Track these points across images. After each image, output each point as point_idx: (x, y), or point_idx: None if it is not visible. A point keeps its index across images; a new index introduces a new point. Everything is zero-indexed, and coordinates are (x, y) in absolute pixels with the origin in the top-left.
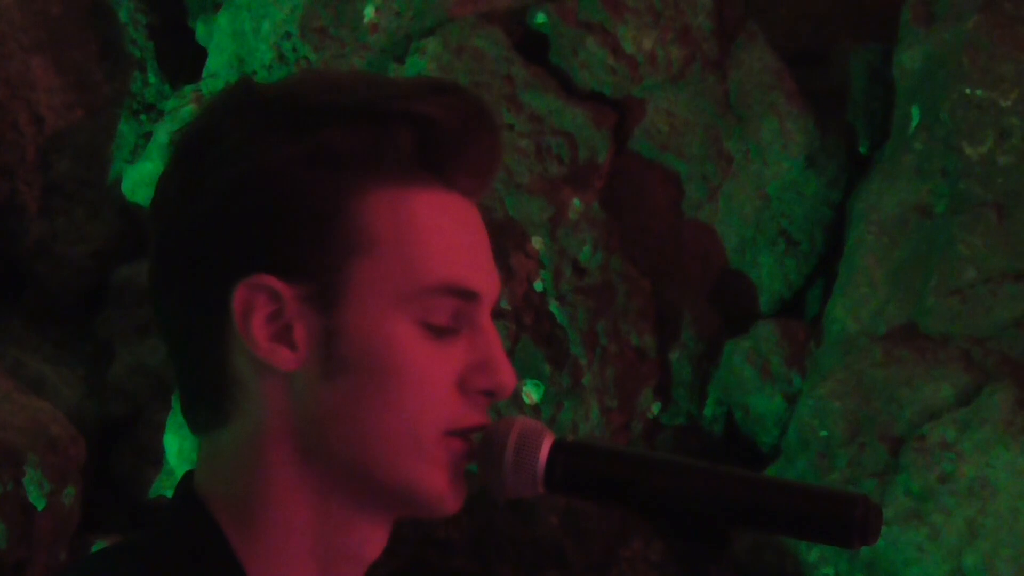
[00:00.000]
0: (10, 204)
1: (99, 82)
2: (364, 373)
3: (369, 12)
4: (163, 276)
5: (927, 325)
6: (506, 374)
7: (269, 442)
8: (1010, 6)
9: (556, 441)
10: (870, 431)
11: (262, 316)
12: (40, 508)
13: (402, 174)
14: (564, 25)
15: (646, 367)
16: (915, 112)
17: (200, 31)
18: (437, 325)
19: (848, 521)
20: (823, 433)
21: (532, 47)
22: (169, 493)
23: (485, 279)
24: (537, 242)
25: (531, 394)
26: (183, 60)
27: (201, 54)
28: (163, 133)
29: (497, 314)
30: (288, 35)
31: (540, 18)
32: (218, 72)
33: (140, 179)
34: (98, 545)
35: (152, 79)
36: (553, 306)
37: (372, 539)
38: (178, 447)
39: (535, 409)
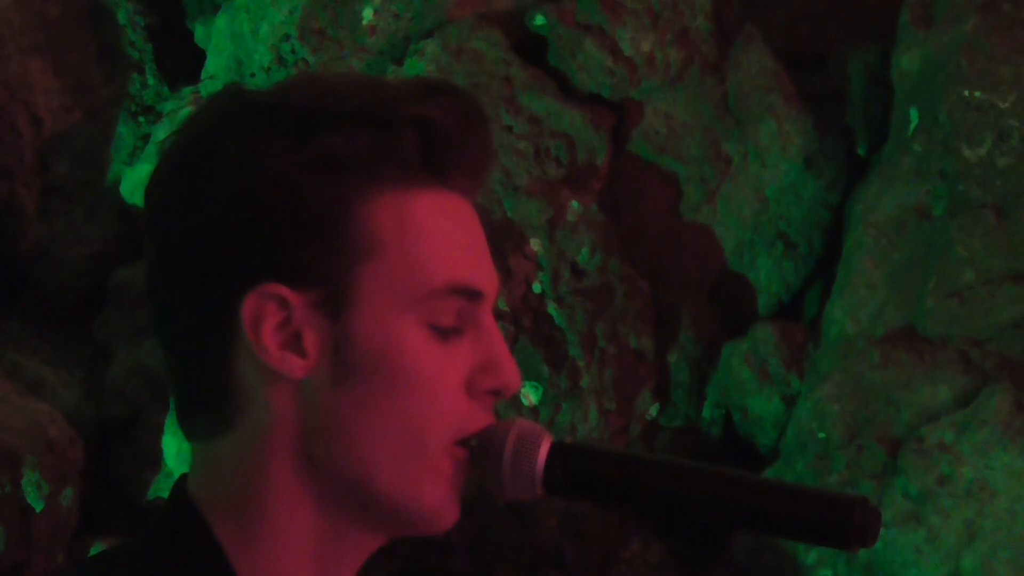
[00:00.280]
0: (8, 206)
1: (98, 84)
2: (374, 377)
3: (368, 14)
4: (164, 286)
5: (926, 327)
6: (511, 373)
7: (273, 450)
8: (1009, 8)
9: (554, 443)
10: (868, 433)
11: (272, 324)
12: (38, 510)
13: (404, 177)
14: (563, 27)
15: (644, 369)
16: (913, 114)
17: (199, 33)
18: (444, 326)
19: (846, 523)
20: (821, 435)
21: (531, 49)
22: (167, 495)
23: (487, 278)
24: (535, 244)
25: (529, 396)
26: (182, 62)
27: (200, 56)
28: (162, 135)
29: (495, 316)
30: (287, 37)
31: (539, 20)
32: (217, 74)
33: (139, 181)
34: (96, 547)
35: (151, 81)
36: (551, 308)
37: (370, 548)
38: (177, 449)
39: (533, 411)
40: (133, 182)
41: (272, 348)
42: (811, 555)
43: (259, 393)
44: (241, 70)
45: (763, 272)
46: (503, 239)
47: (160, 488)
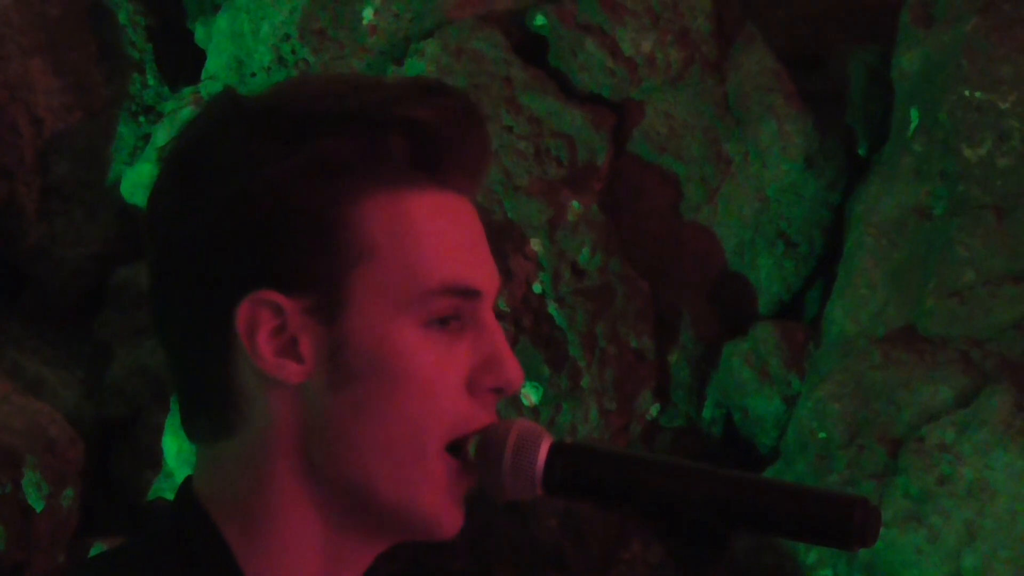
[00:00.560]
0: (9, 206)
1: (98, 84)
2: (371, 381)
3: (368, 14)
4: (163, 292)
5: (926, 327)
6: (512, 370)
7: (274, 455)
8: (1009, 8)
9: (554, 443)
10: (869, 433)
11: (267, 331)
12: (39, 510)
13: (396, 178)
14: (563, 27)
15: (645, 369)
16: (914, 114)
17: (199, 33)
18: (440, 327)
19: (847, 523)
20: (822, 435)
21: (531, 49)
22: (168, 495)
23: (486, 276)
24: (536, 244)
25: (530, 396)
26: (182, 62)
27: (200, 56)
28: (162, 135)
29: (496, 316)
30: (287, 37)
31: (539, 20)
32: (217, 74)
33: (139, 181)
34: (97, 547)
35: (151, 81)
36: (552, 308)
37: (374, 551)
38: (177, 449)
39: (534, 411)
40: (133, 182)
41: (267, 354)
42: (812, 555)
43: (258, 398)
44: (242, 70)
45: (764, 272)
46: (503, 239)
47: (160, 488)
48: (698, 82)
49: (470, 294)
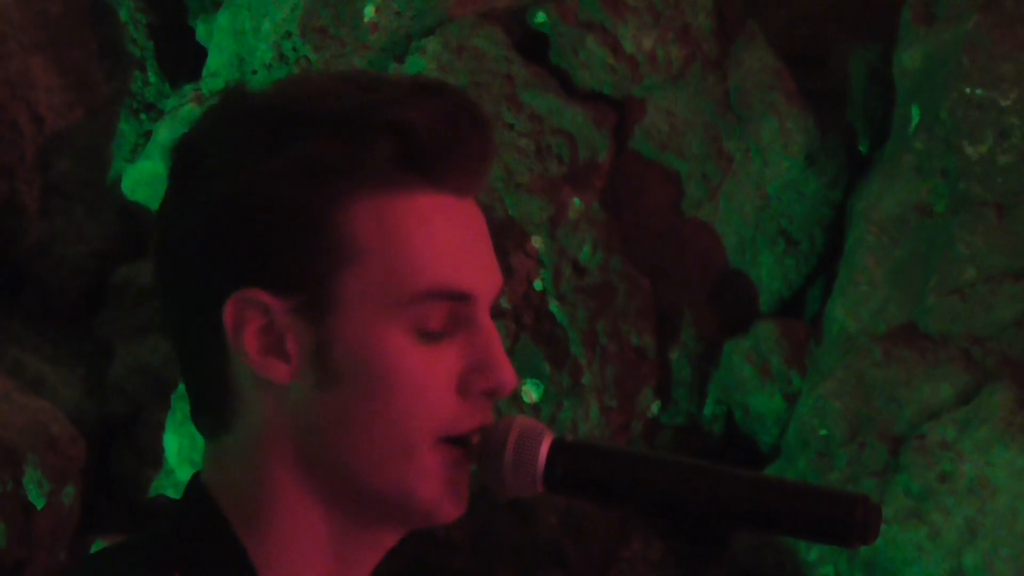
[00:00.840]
0: (10, 204)
1: (99, 81)
2: (357, 382)
3: (369, 12)
4: (163, 286)
5: (927, 324)
6: (505, 373)
7: (270, 450)
8: (1010, 5)
9: (555, 441)
10: (870, 430)
11: (253, 329)
12: (40, 508)
13: (386, 181)
14: (564, 25)
15: (646, 367)
16: (915, 112)
17: (200, 30)
18: (430, 330)
19: (848, 521)
20: (823, 432)
21: (532, 47)
22: (169, 492)
23: (479, 278)
24: (537, 241)
25: (531, 393)
26: (183, 59)
27: (201, 53)
28: (163, 132)
29: (497, 314)
30: (288, 34)
31: (540, 18)
32: (218, 71)
33: (140, 178)
34: (98, 545)
35: (152, 78)
36: (553, 306)
37: (382, 543)
38: (178, 447)
39: (535, 408)
40: (134, 179)
41: (254, 353)
42: (812, 552)
43: (251, 395)
44: (243, 67)
45: (765, 270)
46: (505, 237)
47: (161, 486)
48: (699, 80)
49: (459, 297)
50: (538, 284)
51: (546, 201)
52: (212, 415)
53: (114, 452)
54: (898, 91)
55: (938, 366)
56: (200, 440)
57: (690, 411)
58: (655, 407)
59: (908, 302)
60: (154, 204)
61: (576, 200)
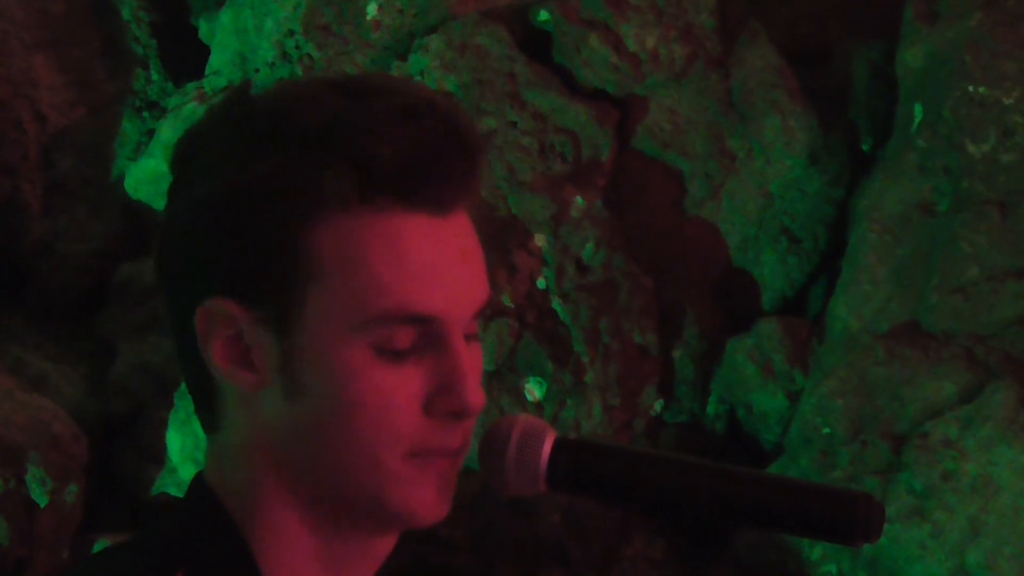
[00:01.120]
0: (12, 202)
1: (102, 80)
2: (322, 397)
3: (372, 10)
4: (159, 286)
5: (930, 323)
6: (469, 395)
7: (252, 453)
8: (1013, 4)
9: (558, 439)
10: (872, 429)
11: (221, 339)
12: (42, 506)
13: (351, 201)
14: (567, 23)
15: (649, 365)
16: (918, 110)
17: (203, 29)
18: (394, 350)
19: (851, 519)
20: (826, 431)
21: (535, 45)
22: (172, 491)
23: (449, 300)
24: (540, 240)
25: (534, 391)
26: (186, 58)
27: (204, 51)
28: (166, 131)
29: (500, 312)
30: (291, 33)
31: (543, 16)
32: (221, 70)
33: (143, 177)
34: (100, 543)
35: (155, 76)
36: (556, 304)
37: (377, 544)
38: (180, 445)
39: (538, 407)
40: (137, 178)
41: (221, 363)
42: (816, 551)
43: (231, 400)
44: (245, 66)
45: (767, 268)
46: (507, 235)
47: (164, 484)
48: (702, 78)
49: (422, 321)
50: (541, 282)
51: (549, 199)
52: (205, 413)
53: (116, 450)
54: (901, 89)
55: (941, 364)
56: (202, 438)
57: (693, 409)
58: (658, 405)
59: (911, 300)
60: (156, 202)
61: (579, 198)
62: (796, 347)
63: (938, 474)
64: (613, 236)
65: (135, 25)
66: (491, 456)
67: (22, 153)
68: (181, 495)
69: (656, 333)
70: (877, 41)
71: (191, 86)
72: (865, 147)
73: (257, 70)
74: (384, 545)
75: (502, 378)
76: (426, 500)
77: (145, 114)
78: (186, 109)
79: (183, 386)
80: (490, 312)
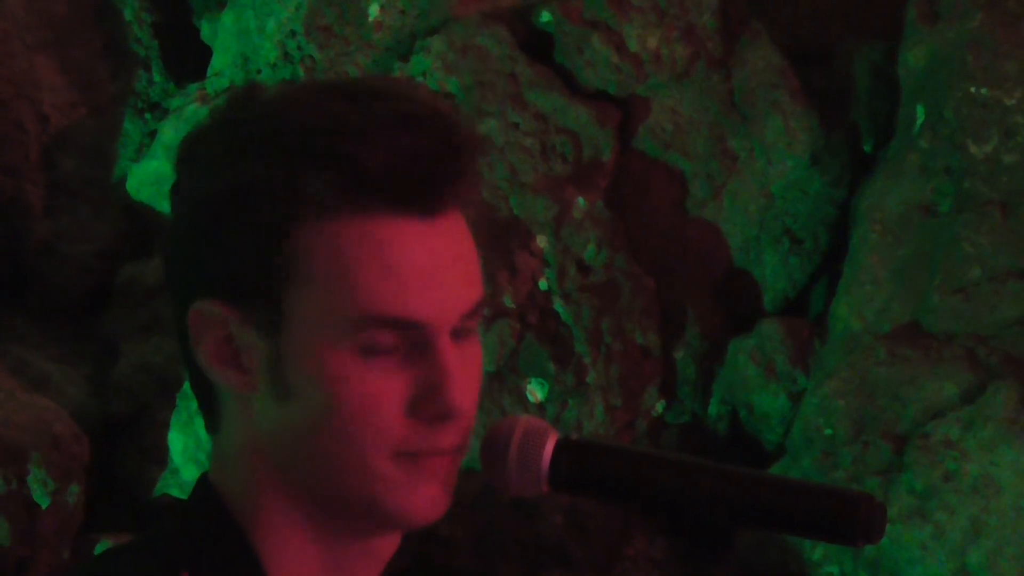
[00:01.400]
0: (15, 203)
1: (104, 81)
2: (309, 398)
3: (374, 11)
4: (166, 287)
5: (931, 323)
6: (453, 399)
7: (249, 454)
8: (1014, 4)
9: (560, 440)
10: (874, 429)
11: (212, 340)
12: (44, 506)
13: (336, 206)
14: (569, 24)
15: (650, 365)
16: (920, 111)
17: (205, 30)
18: (379, 353)
19: (852, 519)
20: (827, 431)
21: (537, 46)
22: (174, 492)
23: (435, 304)
24: (542, 240)
25: (536, 392)
26: (188, 59)
27: (206, 52)
28: (168, 132)
29: (502, 313)
30: (293, 33)
31: (545, 17)
32: (223, 71)
33: (145, 178)
34: (102, 544)
35: (157, 77)
36: (558, 304)
37: (378, 545)
38: (183, 446)
39: (540, 407)
40: (139, 179)
41: (214, 363)
42: (817, 551)
43: (227, 401)
44: (247, 67)
45: (769, 268)
46: (509, 236)
47: (166, 485)
48: (704, 79)
49: (405, 325)
50: (543, 283)
51: (551, 200)
52: (207, 413)
53: (118, 451)
54: (903, 90)
55: (942, 365)
56: (204, 439)
57: (695, 410)
58: (660, 406)
59: (912, 301)
60: (159, 203)
61: (580, 199)
62: (798, 348)
63: (939, 475)
64: (615, 237)
65: (137, 26)
66: (493, 457)
67: (24, 153)
68: (183, 496)
69: (658, 334)
70: (879, 42)
71: (193, 87)
72: (867, 148)
73: (259, 71)
74: (386, 546)
75: (504, 379)
76: (416, 500)
77: (147, 115)
78: (188, 110)
79: (185, 387)
80: (492, 313)
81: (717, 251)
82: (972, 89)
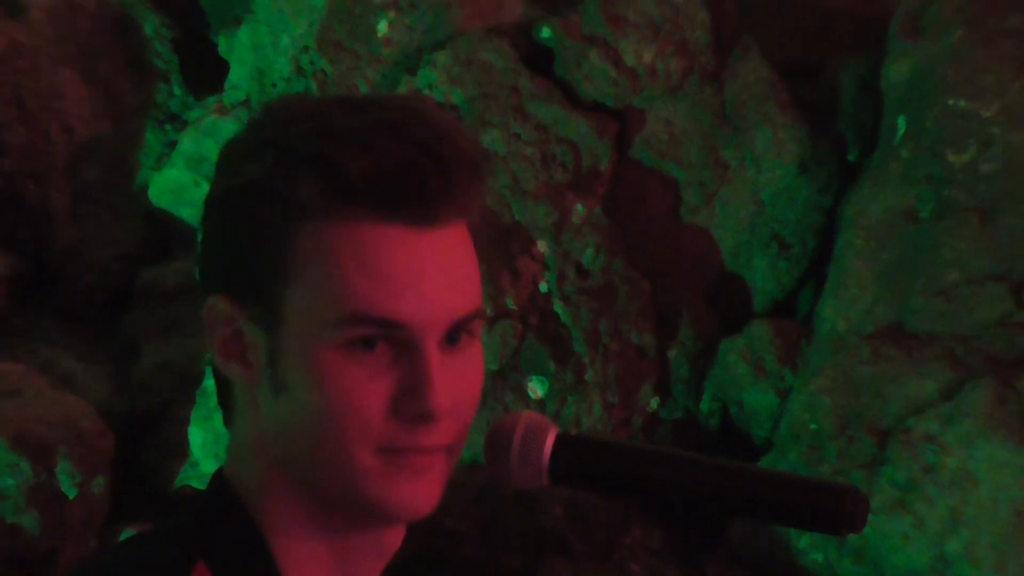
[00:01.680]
0: (42, 209)
1: (126, 93)
2: (300, 393)
3: (382, 27)
4: None
5: (913, 324)
6: (431, 401)
7: (257, 447)
8: (993, 21)
9: (560, 435)
10: (858, 425)
11: (223, 335)
12: (72, 497)
13: (327, 210)
14: (568, 39)
15: (646, 364)
16: (901, 122)
17: (222, 45)
18: (364, 351)
19: (837, 510)
20: (813, 427)
21: (538, 60)
22: (194, 484)
23: (417, 308)
24: (542, 245)
25: (536, 390)
26: (206, 72)
27: (223, 67)
28: (187, 142)
29: (503, 315)
30: (306, 49)
31: (545, 32)
32: (239, 84)
33: (165, 186)
34: (126, 534)
35: (176, 90)
36: (558, 306)
37: (383, 537)
38: (202, 440)
39: (540, 404)
40: (159, 187)
41: (222, 357)
42: (803, 540)
43: (239, 396)
44: (263, 80)
45: (759, 272)
46: (511, 241)
47: (187, 477)
48: (697, 91)
49: (388, 325)
50: (543, 286)
51: (551, 207)
52: (224, 408)
53: (141, 445)
54: (886, 102)
55: (923, 364)
56: (222, 433)
57: (688, 407)
58: (655, 403)
59: (895, 303)
60: (178, 210)
61: (580, 206)
62: (786, 347)
63: (920, 468)
64: (612, 242)
65: (158, 41)
66: (496, 451)
67: (51, 162)
68: (203, 488)
69: (653, 334)
70: (865, 56)
71: (211, 99)
72: (852, 157)
73: (274, 84)
74: (390, 538)
75: (506, 377)
76: (400, 494)
77: (167, 126)
78: (206, 122)
79: (204, 384)
80: (495, 314)
81: (709, 256)
82: (951, 101)
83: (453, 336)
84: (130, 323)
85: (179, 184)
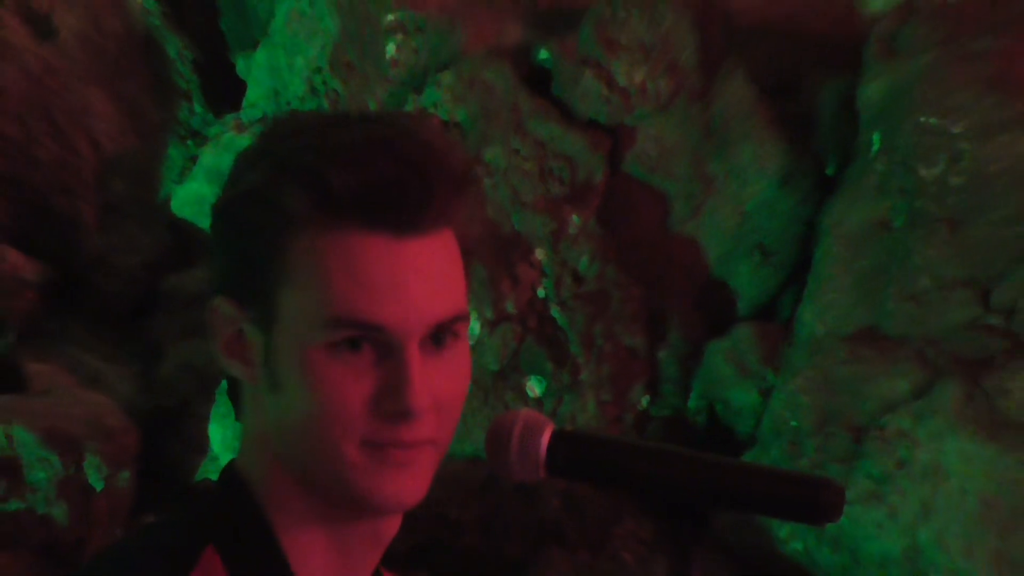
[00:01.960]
0: (71, 220)
1: (150, 111)
2: (291, 391)
3: (391, 49)
4: None
5: (887, 327)
6: (407, 400)
7: (260, 441)
8: (962, 43)
9: (556, 431)
10: (835, 422)
11: (226, 334)
12: (99, 490)
13: (317, 218)
14: (565, 61)
15: (637, 365)
16: (876, 138)
17: (240, 66)
18: (345, 351)
19: (815, 502)
20: (794, 424)
21: (536, 80)
22: (213, 477)
23: (396, 312)
24: (540, 254)
25: (534, 389)
26: (225, 91)
27: (241, 86)
28: (207, 157)
29: (503, 318)
30: (319, 69)
31: (543, 54)
32: (257, 102)
33: (187, 198)
34: None
35: (198, 108)
36: (555, 311)
37: (379, 526)
38: (221, 436)
39: (538, 402)
40: (182, 199)
41: (224, 354)
42: (784, 529)
43: (245, 392)
44: (279, 99)
45: (743, 279)
46: (511, 250)
47: (207, 471)
48: (685, 109)
49: (368, 328)
50: (541, 292)
51: (548, 218)
52: (234, 404)
53: (164, 441)
54: (861, 119)
55: (896, 364)
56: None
57: (676, 405)
58: (645, 401)
59: (870, 307)
60: (199, 220)
61: (575, 217)
62: (768, 349)
63: (893, 462)
64: (606, 251)
65: (180, 63)
66: (497, 446)
67: (79, 176)
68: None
69: (644, 337)
70: (844, 75)
71: (229, 117)
72: (829, 171)
73: (289, 103)
74: (386, 526)
75: (506, 376)
76: (384, 486)
77: (189, 142)
78: (225, 138)
79: (223, 383)
80: (496, 318)
81: (697, 263)
82: (923, 119)
83: (437, 337)
84: (154, 327)
85: (200, 196)
